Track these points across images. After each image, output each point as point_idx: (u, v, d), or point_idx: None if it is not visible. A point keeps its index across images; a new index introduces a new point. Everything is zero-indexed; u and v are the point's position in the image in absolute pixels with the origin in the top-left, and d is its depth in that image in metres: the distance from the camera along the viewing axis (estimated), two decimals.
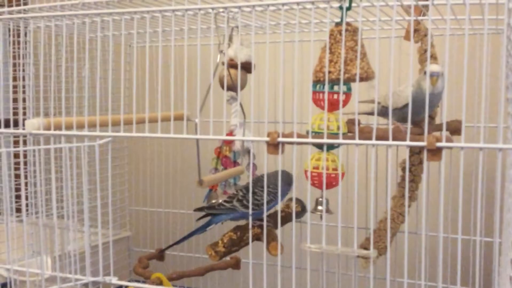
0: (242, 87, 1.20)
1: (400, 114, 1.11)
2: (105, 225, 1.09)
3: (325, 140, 0.91)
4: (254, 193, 1.12)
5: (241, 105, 1.17)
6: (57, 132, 1.04)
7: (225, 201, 1.18)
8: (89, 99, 1.09)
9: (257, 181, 1.17)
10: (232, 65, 1.16)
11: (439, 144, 0.79)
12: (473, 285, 0.88)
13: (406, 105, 1.07)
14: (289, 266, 0.93)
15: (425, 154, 0.81)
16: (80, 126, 1.05)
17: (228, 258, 1.43)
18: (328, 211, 1.14)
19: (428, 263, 0.85)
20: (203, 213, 1.23)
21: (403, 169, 1.18)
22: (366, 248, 1.12)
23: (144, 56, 1.00)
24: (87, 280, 1.01)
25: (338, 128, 1.03)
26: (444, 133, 0.80)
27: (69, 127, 1.05)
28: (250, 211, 1.02)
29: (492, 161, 0.82)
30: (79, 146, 1.00)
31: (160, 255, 1.55)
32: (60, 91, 1.18)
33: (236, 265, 1.44)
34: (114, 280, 1.02)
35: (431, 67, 0.96)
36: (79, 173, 1.06)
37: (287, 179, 1.15)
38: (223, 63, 1.15)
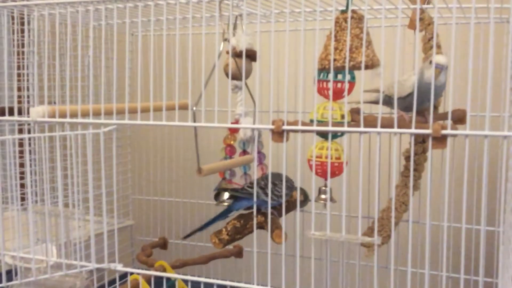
0: (247, 76, 1.20)
1: (403, 103, 1.11)
2: (108, 213, 1.10)
3: (330, 128, 0.91)
4: (274, 184, 1.12)
5: (250, 93, 1.17)
6: (62, 119, 1.04)
7: (248, 186, 1.19)
8: (93, 88, 1.09)
9: (277, 175, 1.17)
10: (236, 53, 1.16)
11: (444, 132, 0.80)
12: (476, 273, 0.88)
13: (409, 94, 1.07)
14: (293, 255, 0.93)
15: (430, 142, 0.81)
16: (85, 114, 1.05)
17: (231, 246, 1.45)
18: (331, 199, 1.14)
19: (429, 252, 0.85)
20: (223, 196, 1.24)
21: (406, 159, 1.19)
22: (370, 237, 1.13)
23: (148, 45, 1.00)
24: (92, 267, 1.01)
25: (342, 117, 1.03)
26: (450, 121, 0.81)
27: (73, 115, 1.05)
28: (269, 200, 1.03)
29: (494, 150, 0.82)
30: (84, 133, 1.01)
31: (163, 244, 1.56)
32: (64, 79, 1.18)
33: (239, 253, 1.45)
34: (120, 267, 1.03)
35: (438, 59, 0.96)
36: (84, 161, 1.06)
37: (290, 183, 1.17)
38: (227, 52, 1.15)
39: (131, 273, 1.19)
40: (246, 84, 1.13)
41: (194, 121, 0.98)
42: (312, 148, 1.08)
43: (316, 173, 1.09)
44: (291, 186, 1.17)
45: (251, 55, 1.19)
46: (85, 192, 1.06)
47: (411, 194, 0.96)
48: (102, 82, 1.02)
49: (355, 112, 1.17)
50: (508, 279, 0.86)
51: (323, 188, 1.14)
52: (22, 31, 1.31)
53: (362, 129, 0.88)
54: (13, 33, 1.37)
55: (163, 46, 1.00)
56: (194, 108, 0.97)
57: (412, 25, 1.09)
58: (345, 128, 0.90)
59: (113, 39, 1.06)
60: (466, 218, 0.84)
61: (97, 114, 1.06)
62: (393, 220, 0.93)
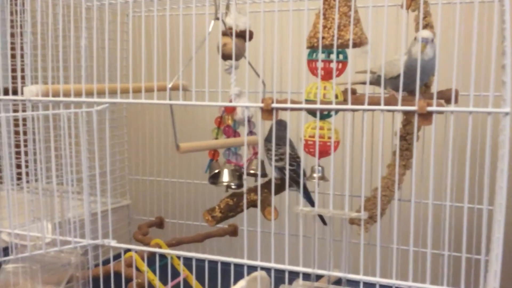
0: (241, 56, 1.20)
1: (395, 83, 1.11)
2: (104, 193, 1.11)
3: (318, 106, 0.92)
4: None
5: (254, 70, 1.17)
6: (56, 98, 1.05)
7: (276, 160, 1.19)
8: (87, 68, 1.10)
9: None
10: (236, 34, 1.16)
11: (429, 108, 0.80)
12: (448, 249, 0.90)
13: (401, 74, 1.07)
14: (283, 233, 0.95)
15: (416, 119, 0.82)
16: (78, 94, 1.06)
17: (226, 226, 1.47)
18: (323, 178, 1.16)
19: (413, 230, 0.87)
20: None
21: (399, 138, 1.19)
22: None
23: (141, 26, 1.01)
24: (86, 243, 1.03)
25: (336, 96, 1.04)
26: (435, 97, 0.81)
27: (67, 94, 1.07)
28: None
29: (496, 128, 0.82)
30: (77, 112, 1.02)
31: (160, 223, 1.58)
32: (58, 60, 1.19)
33: (233, 232, 1.47)
34: (113, 243, 1.05)
35: (421, 33, 0.97)
36: (79, 141, 1.07)
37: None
38: (222, 32, 1.16)
39: (127, 251, 1.21)
40: (249, 63, 1.14)
41: (170, 99, 0.99)
42: (306, 127, 1.09)
43: (309, 152, 1.10)
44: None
45: (244, 36, 1.19)
46: (81, 172, 1.08)
47: (398, 173, 0.97)
48: (95, 62, 1.03)
49: (352, 92, 1.17)
50: (494, 256, 0.87)
51: (316, 167, 1.16)
52: (17, 11, 1.32)
53: (349, 106, 0.89)
54: (11, 15, 1.38)
55: (154, 26, 1.00)
56: (170, 86, 0.98)
57: (408, 5, 1.09)
58: (333, 106, 0.91)
59: (110, 20, 1.06)
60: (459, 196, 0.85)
61: (91, 93, 1.07)
62: (378, 201, 0.94)
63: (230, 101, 1.26)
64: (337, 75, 1.09)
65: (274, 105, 0.94)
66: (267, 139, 1.20)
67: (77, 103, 1.05)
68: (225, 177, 1.27)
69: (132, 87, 1.02)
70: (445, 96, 1.12)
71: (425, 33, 0.97)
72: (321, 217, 1.19)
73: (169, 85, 0.99)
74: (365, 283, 0.92)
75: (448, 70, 0.86)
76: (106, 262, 1.26)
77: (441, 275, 0.86)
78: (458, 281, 0.87)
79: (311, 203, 1.14)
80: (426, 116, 0.81)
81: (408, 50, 1.03)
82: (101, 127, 1.06)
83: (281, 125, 1.11)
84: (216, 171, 1.29)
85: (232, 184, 1.28)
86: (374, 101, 0.91)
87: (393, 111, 0.86)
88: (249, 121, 1.28)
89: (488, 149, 0.78)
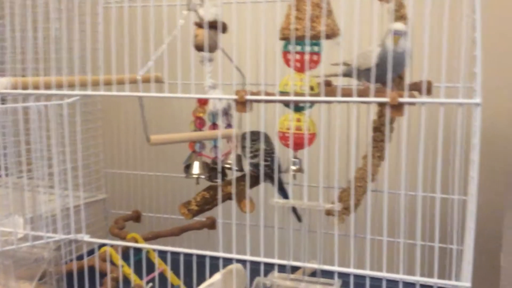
0: (216, 48, 1.19)
1: (370, 74, 1.11)
2: (78, 187, 1.10)
3: (292, 98, 0.92)
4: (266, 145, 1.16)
5: (230, 58, 1.16)
6: (25, 91, 1.03)
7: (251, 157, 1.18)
8: (57, 60, 1.08)
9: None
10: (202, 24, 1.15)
11: (401, 100, 0.81)
12: (420, 238, 0.91)
13: (375, 66, 1.07)
14: (257, 225, 0.94)
15: (387, 110, 0.82)
16: (49, 87, 1.04)
17: (204, 218, 1.46)
18: (300, 170, 1.16)
19: (388, 220, 0.87)
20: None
21: (374, 129, 1.20)
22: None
23: (116, 17, 0.99)
24: (59, 238, 1.02)
25: (312, 88, 1.04)
26: (407, 89, 0.81)
27: (37, 87, 1.04)
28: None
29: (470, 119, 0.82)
30: (48, 105, 1.00)
31: (136, 217, 1.57)
32: (36, 52, 1.17)
33: (211, 225, 1.47)
34: (87, 238, 1.03)
35: (395, 26, 0.97)
36: (51, 135, 1.06)
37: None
38: (195, 23, 1.14)
39: (102, 245, 1.20)
40: (225, 53, 1.13)
41: (140, 91, 0.98)
42: (283, 120, 1.09)
43: (286, 145, 1.10)
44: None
45: (222, 27, 1.18)
46: (56, 166, 1.06)
47: (369, 164, 0.97)
48: (64, 53, 1.01)
49: (326, 84, 1.17)
50: (466, 246, 0.88)
51: (293, 159, 1.15)
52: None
53: (322, 98, 0.88)
54: None
55: (125, 18, 0.99)
56: (139, 77, 0.97)
57: None
58: (306, 98, 0.91)
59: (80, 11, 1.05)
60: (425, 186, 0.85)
61: (61, 86, 1.05)
62: (352, 192, 0.94)
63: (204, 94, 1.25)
64: (313, 67, 1.09)
65: (248, 97, 0.93)
66: (243, 136, 1.20)
67: (48, 95, 1.03)
68: (195, 169, 1.26)
69: (104, 80, 1.00)
70: (419, 88, 1.13)
71: (398, 26, 0.97)
72: (296, 214, 1.19)
73: (140, 73, 0.97)
74: (340, 274, 0.93)
75: (421, 62, 0.86)
76: (82, 257, 1.25)
77: (415, 265, 0.87)
78: (432, 271, 0.88)
79: (286, 197, 1.14)
80: (398, 108, 0.81)
81: (382, 42, 1.03)
82: (75, 120, 1.05)
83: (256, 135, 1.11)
84: (189, 163, 1.29)
85: (202, 176, 1.27)
86: (348, 93, 0.91)
87: (365, 102, 0.86)
88: (226, 113, 1.27)
89: (459, 139, 0.78)
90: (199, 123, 1.29)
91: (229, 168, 1.26)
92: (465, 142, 0.95)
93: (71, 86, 1.04)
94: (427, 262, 1.20)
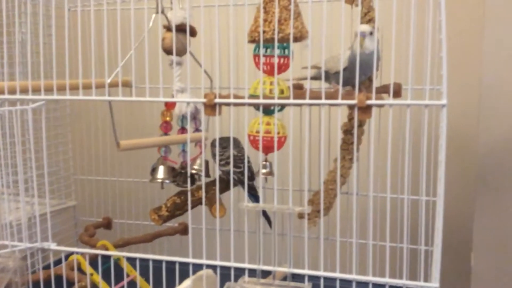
0: (184, 51, 1.18)
1: (340, 77, 1.12)
2: (50, 194, 1.07)
3: (261, 101, 0.91)
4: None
5: (198, 62, 1.15)
6: None
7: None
8: (22, 65, 1.05)
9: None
10: (170, 28, 1.13)
11: (368, 102, 0.81)
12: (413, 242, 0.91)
13: (345, 68, 1.08)
14: (228, 229, 0.94)
15: (356, 112, 0.82)
16: (12, 92, 1.02)
17: (176, 224, 1.44)
18: (271, 173, 1.15)
19: (357, 223, 0.87)
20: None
21: (344, 132, 1.20)
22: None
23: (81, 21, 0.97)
24: (24, 246, 0.99)
25: (282, 92, 1.03)
26: (374, 91, 0.82)
27: (1, 92, 1.02)
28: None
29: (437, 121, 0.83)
30: (12, 111, 0.98)
31: (107, 224, 1.54)
32: (2, 57, 1.14)
33: (184, 230, 1.45)
34: (53, 246, 1.01)
35: (361, 28, 0.97)
36: (22, 141, 1.03)
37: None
38: (164, 26, 1.13)
39: (70, 254, 1.17)
40: (193, 56, 1.12)
41: (109, 95, 0.96)
42: (253, 123, 1.08)
43: (256, 148, 1.10)
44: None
45: (191, 31, 1.17)
46: (20, 173, 1.03)
47: (338, 168, 0.97)
48: (29, 58, 0.99)
49: (297, 87, 1.17)
50: (435, 246, 0.89)
51: (263, 163, 1.15)
52: None
53: (292, 101, 0.88)
54: None
55: (91, 21, 0.97)
56: (108, 81, 0.96)
57: (349, 0, 1.09)
58: (275, 101, 0.91)
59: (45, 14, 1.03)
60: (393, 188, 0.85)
61: (27, 91, 1.03)
62: (321, 195, 0.94)
63: (172, 97, 1.24)
64: (283, 70, 1.09)
65: (217, 100, 0.92)
66: (213, 144, 1.20)
67: (12, 100, 1.00)
68: (160, 174, 1.24)
69: (70, 84, 0.98)
70: (388, 90, 1.14)
71: (363, 27, 0.98)
72: (267, 219, 1.18)
73: (108, 80, 0.96)
74: (311, 277, 0.92)
75: (391, 64, 0.87)
76: (48, 266, 1.22)
77: (385, 266, 0.87)
78: (401, 272, 0.88)
79: (257, 202, 1.14)
80: (365, 110, 0.81)
81: (351, 45, 1.04)
82: (39, 126, 1.02)
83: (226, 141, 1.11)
84: (154, 167, 1.27)
85: (167, 181, 1.25)
86: (318, 95, 0.91)
87: (334, 105, 0.86)
88: (195, 118, 1.26)
89: (425, 141, 0.79)
90: (165, 127, 1.27)
91: (196, 173, 1.25)
92: (434, 144, 0.96)
93: (37, 91, 1.02)
94: (398, 263, 1.21)
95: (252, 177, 1.19)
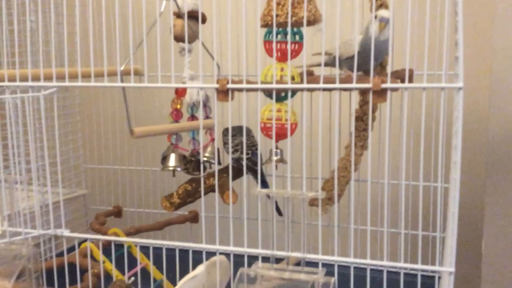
0: (195, 38, 1.17)
1: (351, 63, 1.10)
2: (57, 183, 1.07)
3: (274, 86, 0.91)
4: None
5: (209, 52, 1.15)
6: (0, 83, 1.00)
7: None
8: (34, 53, 1.05)
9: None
10: (181, 14, 1.13)
11: (384, 85, 0.80)
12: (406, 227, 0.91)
13: (357, 54, 1.07)
14: (237, 217, 0.94)
15: (370, 96, 0.81)
16: (25, 79, 1.01)
17: (187, 212, 1.45)
18: (282, 160, 1.15)
19: (371, 210, 0.87)
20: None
21: (356, 118, 1.20)
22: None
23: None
24: (38, 233, 0.99)
25: (293, 78, 1.03)
26: (389, 75, 0.81)
27: (12, 79, 1.02)
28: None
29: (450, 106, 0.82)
30: (24, 98, 0.97)
31: (118, 212, 1.55)
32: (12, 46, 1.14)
33: (194, 218, 1.45)
34: (66, 233, 1.01)
35: (382, 13, 0.96)
36: (32, 129, 1.03)
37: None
38: (174, 13, 1.12)
39: (82, 241, 1.18)
40: (203, 45, 1.11)
41: (122, 81, 0.96)
42: (264, 110, 1.08)
43: (267, 136, 1.10)
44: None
45: (197, 17, 1.16)
46: (33, 162, 1.04)
47: (353, 154, 0.97)
48: (40, 45, 0.98)
49: (308, 74, 1.17)
50: (449, 232, 0.88)
51: (274, 150, 1.15)
52: None
53: (305, 86, 0.88)
54: None
55: (102, 8, 0.97)
56: (122, 68, 0.95)
57: None
58: (289, 86, 0.90)
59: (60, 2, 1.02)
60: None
61: (39, 79, 1.02)
62: (335, 182, 0.94)
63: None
64: (294, 57, 1.08)
65: (230, 85, 0.92)
66: (223, 133, 1.20)
67: (24, 88, 1.00)
68: (171, 161, 1.24)
69: (82, 72, 0.98)
70: (400, 76, 1.13)
71: (386, 13, 0.97)
72: (277, 208, 1.18)
73: (121, 68, 0.95)
74: (324, 263, 0.92)
75: (403, 50, 0.86)
76: (61, 254, 1.22)
77: (399, 252, 0.87)
78: (415, 258, 0.88)
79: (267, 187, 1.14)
80: (380, 93, 0.81)
81: (365, 29, 1.03)
82: (53, 114, 1.02)
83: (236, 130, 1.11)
84: (166, 155, 1.27)
85: (178, 168, 1.25)
86: (330, 81, 0.90)
87: (348, 89, 0.85)
88: (205, 105, 1.25)
89: (441, 126, 0.78)
90: (176, 115, 1.27)
91: (206, 161, 1.25)
92: (445, 130, 0.96)
93: (48, 78, 1.02)
94: (410, 249, 1.21)
95: (256, 162, 1.20)
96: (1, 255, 1.04)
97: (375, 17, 1.00)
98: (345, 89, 0.87)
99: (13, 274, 1.02)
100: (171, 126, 1.20)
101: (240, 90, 0.92)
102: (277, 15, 0.93)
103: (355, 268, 0.91)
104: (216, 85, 0.92)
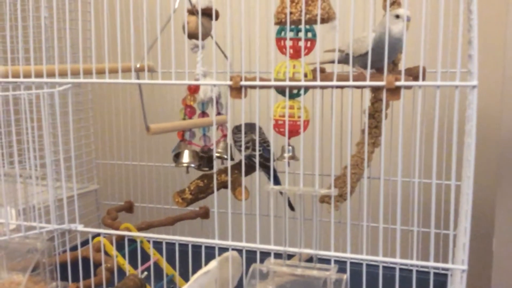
0: (207, 35, 1.18)
1: (364, 60, 1.11)
2: (70, 178, 1.08)
3: (287, 83, 0.91)
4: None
5: (221, 50, 1.15)
6: (16, 79, 1.01)
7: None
8: (48, 49, 1.06)
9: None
10: (194, 11, 1.13)
11: (398, 83, 0.80)
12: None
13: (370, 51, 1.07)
14: (254, 214, 0.94)
15: (384, 94, 0.82)
16: (40, 75, 1.02)
17: (197, 208, 1.45)
18: (293, 157, 1.15)
19: (383, 207, 0.87)
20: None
21: (368, 116, 1.20)
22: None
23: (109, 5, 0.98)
24: (52, 227, 1.00)
25: (306, 75, 1.03)
26: (403, 73, 0.81)
27: (27, 75, 1.03)
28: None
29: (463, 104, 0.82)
30: (39, 94, 0.98)
31: (129, 207, 1.56)
32: (27, 41, 1.15)
33: (205, 214, 1.46)
34: (80, 227, 1.02)
35: (400, 11, 0.96)
36: (46, 124, 1.04)
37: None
38: (187, 10, 1.13)
39: (95, 236, 1.19)
40: (217, 43, 1.12)
41: (138, 78, 0.97)
42: (276, 107, 1.08)
43: (279, 132, 1.10)
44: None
45: (210, 14, 1.16)
46: (48, 157, 1.05)
47: (368, 151, 0.97)
48: (56, 41, 0.99)
49: (321, 71, 1.17)
50: (462, 229, 0.88)
51: (286, 146, 1.15)
52: None
53: (318, 83, 0.88)
54: None
55: (117, 5, 0.98)
56: (138, 65, 0.96)
57: None
58: (302, 83, 0.90)
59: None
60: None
61: (54, 75, 1.03)
62: (348, 179, 0.94)
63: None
64: (306, 54, 1.08)
65: (243, 83, 0.92)
66: (233, 131, 1.21)
67: (39, 84, 1.01)
68: (185, 158, 1.25)
69: (96, 68, 0.99)
70: (413, 74, 1.13)
71: (406, 12, 0.97)
72: (289, 203, 1.19)
73: (137, 64, 0.96)
74: (336, 260, 0.92)
75: (415, 48, 0.86)
76: (74, 248, 1.23)
77: (410, 250, 0.87)
78: (427, 255, 0.88)
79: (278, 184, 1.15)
80: (394, 91, 0.81)
81: (380, 26, 1.03)
82: (66, 110, 1.03)
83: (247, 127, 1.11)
84: (178, 151, 1.28)
85: (192, 165, 1.26)
86: (343, 78, 0.90)
87: (362, 87, 0.86)
88: (217, 102, 1.26)
89: (455, 124, 0.78)
90: (189, 112, 1.28)
91: (218, 157, 1.25)
92: (457, 128, 0.96)
93: (63, 75, 1.03)
94: (421, 247, 1.21)
95: (268, 159, 1.21)
96: (16, 249, 1.05)
97: (397, 16, 0.99)
98: (357, 87, 0.86)
99: (27, 267, 1.03)
100: (186, 122, 1.21)
101: (253, 87, 0.92)
102: (291, 13, 0.93)
103: (367, 265, 0.92)
104: (229, 82, 0.92)
